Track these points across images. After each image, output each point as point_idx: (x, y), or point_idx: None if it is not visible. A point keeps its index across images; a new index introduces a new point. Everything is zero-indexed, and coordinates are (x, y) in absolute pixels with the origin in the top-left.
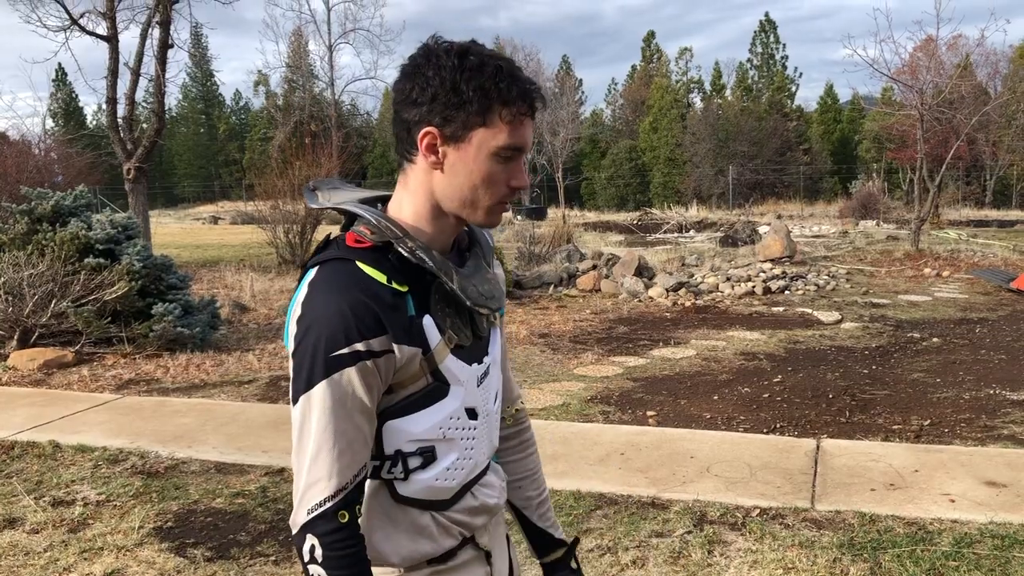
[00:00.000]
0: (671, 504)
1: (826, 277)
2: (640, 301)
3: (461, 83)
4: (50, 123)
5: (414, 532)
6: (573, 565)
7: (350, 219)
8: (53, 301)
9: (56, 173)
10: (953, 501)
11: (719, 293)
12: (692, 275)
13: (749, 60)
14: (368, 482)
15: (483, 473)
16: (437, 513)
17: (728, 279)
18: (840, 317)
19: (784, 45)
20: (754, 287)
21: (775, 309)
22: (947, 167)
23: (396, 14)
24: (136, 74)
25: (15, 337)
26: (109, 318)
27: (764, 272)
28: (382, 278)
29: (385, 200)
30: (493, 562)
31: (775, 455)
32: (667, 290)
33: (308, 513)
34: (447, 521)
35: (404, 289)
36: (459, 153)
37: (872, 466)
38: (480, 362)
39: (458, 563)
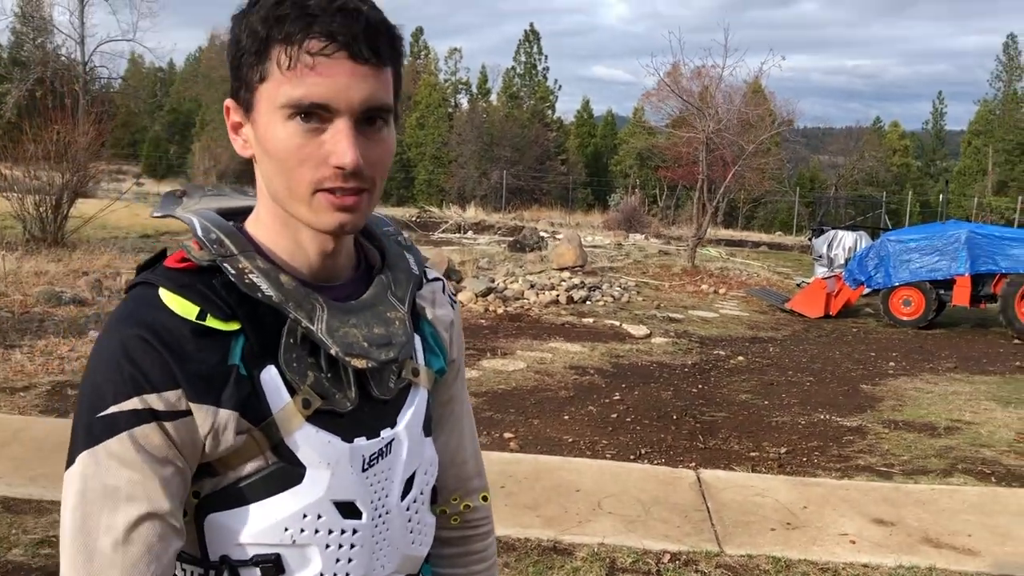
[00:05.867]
0: (575, 549)
1: (619, 289)
2: None
3: (241, 32)
4: None
5: None
6: None
7: None
8: None
9: None
10: (854, 542)
11: (526, 300)
12: (493, 280)
13: (514, 68)
14: None
15: None
16: None
17: (532, 286)
18: (649, 332)
19: (546, 56)
20: (558, 296)
21: (585, 320)
22: (688, 188)
23: None
24: None
25: None
26: None
27: (565, 281)
28: (190, 312)
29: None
30: None
31: (660, 488)
32: (477, 295)
33: None
34: None
35: (228, 328)
36: (254, 127)
37: (761, 502)
38: (373, 435)
39: None
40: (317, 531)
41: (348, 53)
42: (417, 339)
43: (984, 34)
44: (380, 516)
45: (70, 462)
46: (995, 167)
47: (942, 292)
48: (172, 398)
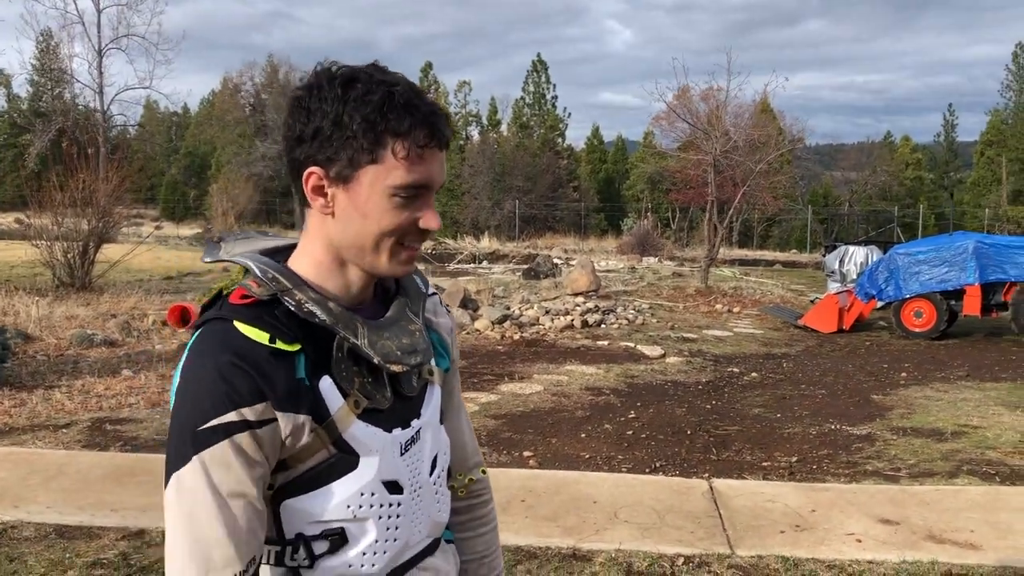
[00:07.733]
0: (593, 555)
1: (633, 312)
2: (469, 334)
3: (344, 115)
4: None
5: None
6: None
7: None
8: None
9: None
10: (860, 541)
11: (541, 326)
12: (508, 307)
13: (523, 98)
14: (272, 569)
15: (423, 554)
16: None
17: (547, 312)
18: (663, 352)
19: (554, 85)
20: (573, 320)
21: (600, 343)
22: (701, 210)
23: (166, 24)
24: None
25: None
26: None
27: (579, 306)
28: (263, 337)
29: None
30: None
31: (674, 497)
32: (492, 322)
33: None
34: None
35: (293, 348)
36: (349, 195)
37: (771, 507)
38: (406, 426)
39: None
40: (371, 506)
41: (439, 146)
42: None
43: (993, 44)
44: (415, 491)
45: (176, 467)
46: (1009, 177)
47: (953, 303)
48: (260, 409)
